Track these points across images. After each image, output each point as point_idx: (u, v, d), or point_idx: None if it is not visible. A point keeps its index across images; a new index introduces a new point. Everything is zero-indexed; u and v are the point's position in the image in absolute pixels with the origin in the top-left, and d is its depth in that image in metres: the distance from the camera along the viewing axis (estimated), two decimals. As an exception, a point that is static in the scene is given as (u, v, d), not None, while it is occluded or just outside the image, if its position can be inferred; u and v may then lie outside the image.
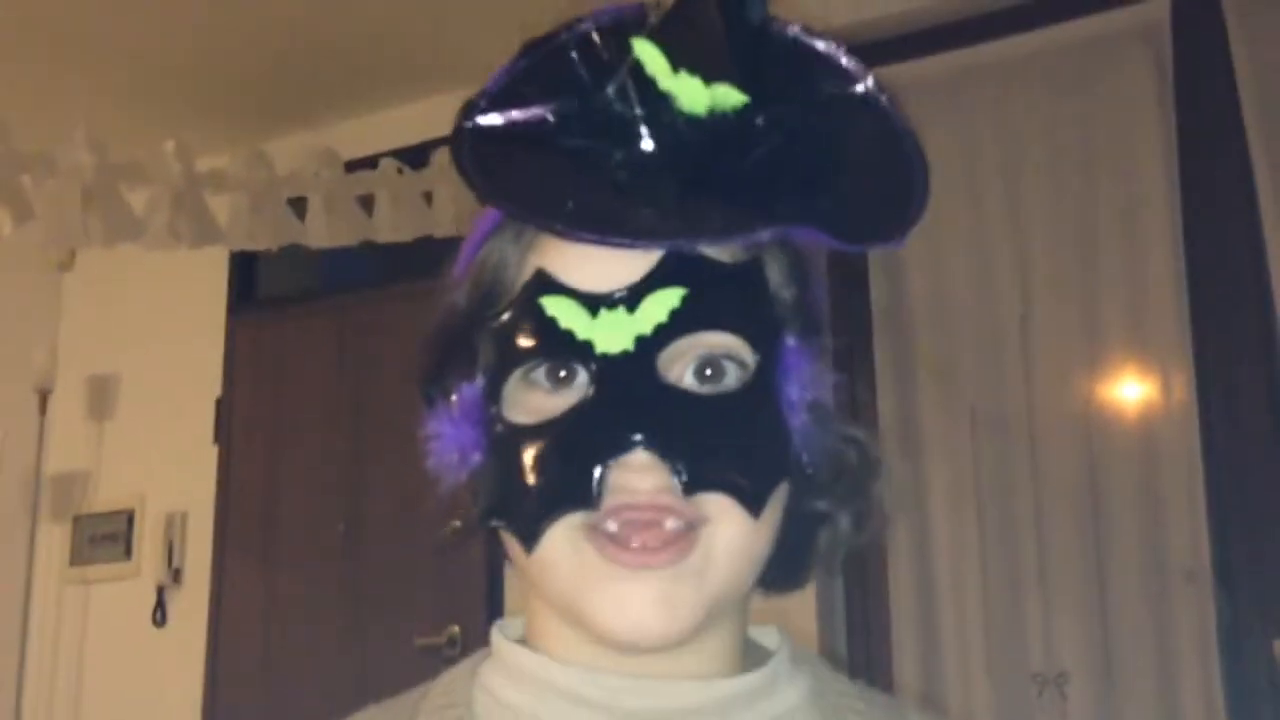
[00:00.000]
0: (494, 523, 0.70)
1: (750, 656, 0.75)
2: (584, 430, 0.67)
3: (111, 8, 3.39)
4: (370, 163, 3.47)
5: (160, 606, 4.06)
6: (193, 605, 4.01)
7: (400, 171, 3.40)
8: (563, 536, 0.67)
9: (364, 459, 3.68)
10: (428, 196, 3.38)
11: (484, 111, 0.70)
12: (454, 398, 0.72)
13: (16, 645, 4.17)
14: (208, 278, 4.16)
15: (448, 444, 0.71)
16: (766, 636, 0.77)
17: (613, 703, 0.69)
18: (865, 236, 0.71)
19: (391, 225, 3.34)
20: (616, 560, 0.66)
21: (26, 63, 3.62)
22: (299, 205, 3.32)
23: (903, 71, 3.04)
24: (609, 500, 0.66)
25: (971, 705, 2.89)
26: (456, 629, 3.47)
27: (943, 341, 3.10)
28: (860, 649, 3.04)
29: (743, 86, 0.68)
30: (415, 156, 3.38)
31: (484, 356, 0.71)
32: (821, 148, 0.70)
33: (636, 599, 0.66)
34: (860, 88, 0.71)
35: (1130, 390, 2.93)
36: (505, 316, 0.70)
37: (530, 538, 0.67)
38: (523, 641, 0.75)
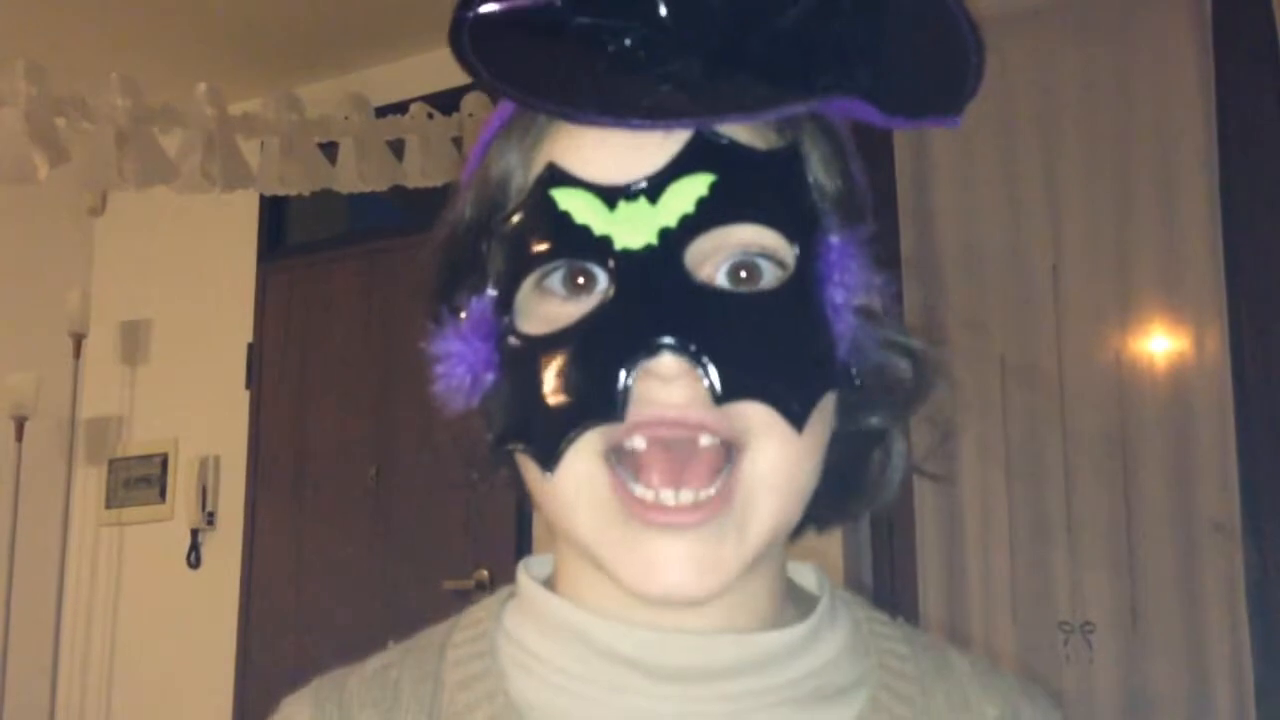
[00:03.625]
0: (510, 446, 0.63)
1: (789, 598, 0.69)
2: (604, 334, 0.59)
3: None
4: (401, 108, 3.47)
5: (194, 549, 4.12)
6: (226, 547, 4.07)
7: (430, 116, 3.40)
8: (582, 468, 0.60)
9: (394, 403, 3.71)
10: (458, 142, 3.38)
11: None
12: (463, 313, 0.65)
13: (54, 586, 4.23)
14: (238, 224, 4.18)
15: (457, 364, 0.64)
16: (803, 575, 0.72)
17: (649, 658, 0.63)
18: (917, 109, 0.63)
19: (421, 170, 3.35)
20: (643, 519, 0.59)
21: (61, 7, 3.63)
22: (330, 150, 3.33)
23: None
24: (634, 413, 0.59)
25: (997, 654, 2.90)
26: (485, 573, 3.51)
27: (973, 291, 3.08)
28: (886, 598, 3.05)
29: None
30: (446, 102, 3.37)
31: (493, 265, 0.64)
32: (864, 12, 0.61)
33: (667, 561, 0.59)
34: None
35: (1162, 342, 2.91)
36: (515, 218, 0.63)
37: (549, 458, 0.61)
38: (550, 584, 0.69)
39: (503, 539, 3.40)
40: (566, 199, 0.61)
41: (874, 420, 0.66)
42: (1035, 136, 3.04)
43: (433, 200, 3.30)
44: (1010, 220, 3.05)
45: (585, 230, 0.60)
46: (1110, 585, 2.81)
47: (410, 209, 3.74)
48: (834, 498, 0.67)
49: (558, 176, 0.61)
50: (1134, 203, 2.93)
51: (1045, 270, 3.00)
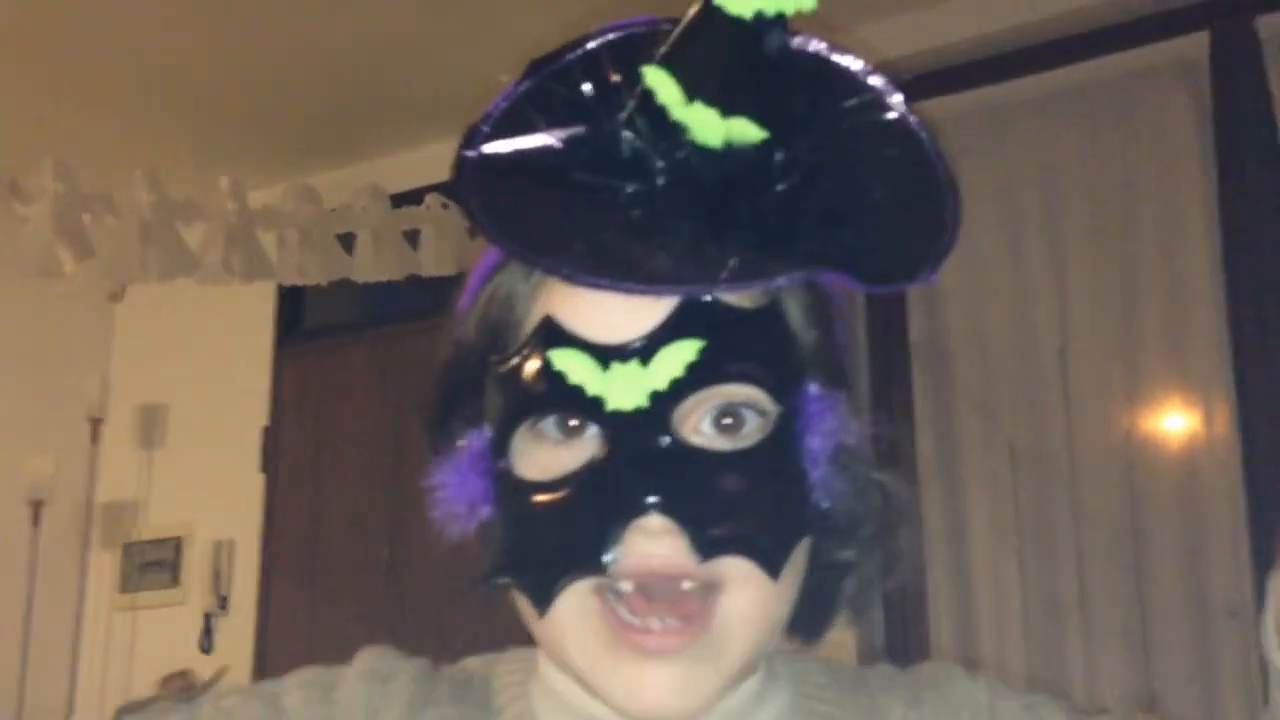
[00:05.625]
0: (503, 580, 0.68)
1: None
2: (596, 492, 0.63)
3: (166, 52, 3.47)
4: (415, 197, 3.52)
5: (208, 633, 4.11)
6: (239, 632, 4.06)
7: (445, 206, 3.45)
8: (574, 603, 0.64)
9: (407, 488, 3.69)
10: (471, 231, 3.43)
11: (487, 139, 0.66)
12: (460, 444, 0.69)
13: (67, 671, 4.22)
14: (255, 309, 4.22)
15: (455, 495, 0.69)
16: None
17: None
18: (893, 276, 0.66)
19: (436, 259, 3.40)
20: (631, 644, 0.63)
21: (87, 107, 3.71)
22: (347, 240, 3.38)
23: (941, 106, 3.04)
24: (623, 564, 0.63)
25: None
26: (499, 658, 3.49)
27: (981, 375, 3.10)
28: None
29: (761, 119, 0.63)
30: (460, 191, 3.43)
31: (491, 404, 0.68)
32: (846, 182, 0.65)
33: (653, 685, 0.63)
34: (890, 114, 0.66)
35: (1171, 423, 2.92)
36: (512, 364, 0.66)
37: (543, 600, 0.65)
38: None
39: (517, 625, 3.39)
40: (561, 359, 0.64)
41: (845, 554, 0.70)
42: (1040, 220, 3.08)
43: (446, 287, 3.33)
44: (1017, 303, 3.08)
45: (579, 391, 0.63)
46: (1125, 671, 2.80)
47: (425, 294, 3.79)
48: (806, 619, 0.71)
49: (554, 334, 0.65)
50: (1139, 285, 2.96)
51: (1053, 353, 3.02)
